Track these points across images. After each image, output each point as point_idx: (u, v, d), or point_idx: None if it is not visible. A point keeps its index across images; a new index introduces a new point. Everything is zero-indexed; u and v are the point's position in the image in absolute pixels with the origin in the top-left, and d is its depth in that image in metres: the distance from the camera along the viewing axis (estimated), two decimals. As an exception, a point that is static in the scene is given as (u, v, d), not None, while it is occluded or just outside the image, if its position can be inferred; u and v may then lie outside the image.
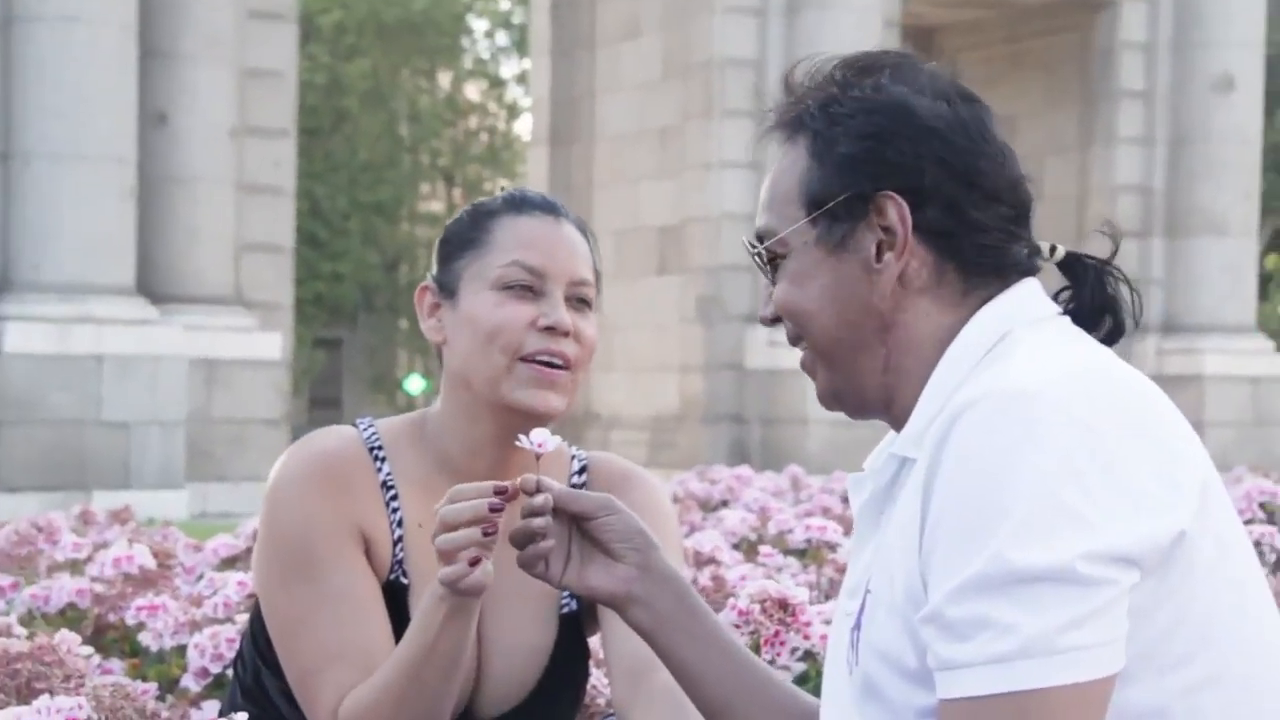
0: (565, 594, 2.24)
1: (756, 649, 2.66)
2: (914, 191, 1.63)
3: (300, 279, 29.89)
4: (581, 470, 2.32)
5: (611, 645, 2.17)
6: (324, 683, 2.09)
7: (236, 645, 3.09)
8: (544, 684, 2.24)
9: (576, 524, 1.90)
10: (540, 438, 1.89)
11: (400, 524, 2.20)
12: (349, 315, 39.18)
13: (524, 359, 2.15)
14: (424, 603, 1.99)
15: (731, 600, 2.69)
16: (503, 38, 37.61)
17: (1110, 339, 1.71)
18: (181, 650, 3.24)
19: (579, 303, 2.19)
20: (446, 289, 2.21)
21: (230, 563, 4.45)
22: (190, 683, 3.10)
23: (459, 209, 2.31)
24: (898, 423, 1.68)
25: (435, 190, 38.51)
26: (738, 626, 2.65)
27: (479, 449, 2.20)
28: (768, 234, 1.72)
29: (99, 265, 12.44)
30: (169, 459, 12.48)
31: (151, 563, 3.64)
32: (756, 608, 2.64)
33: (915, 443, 1.60)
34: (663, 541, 2.11)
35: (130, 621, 3.34)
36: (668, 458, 15.88)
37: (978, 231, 1.64)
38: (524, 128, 34.41)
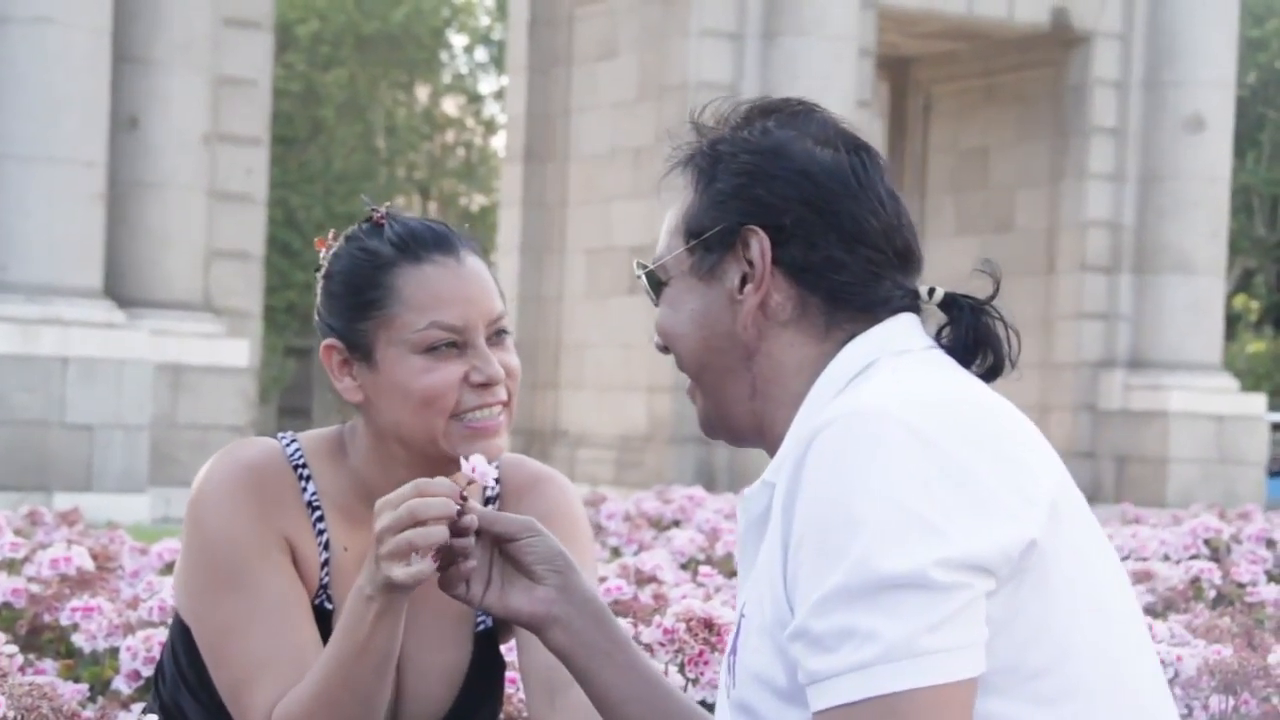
0: (479, 613, 2.23)
1: (682, 668, 2.69)
2: (778, 228, 1.71)
3: (273, 288, 29.85)
4: (496, 481, 2.30)
5: (526, 661, 2.16)
6: (256, 691, 2.07)
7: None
8: (461, 702, 2.23)
9: (498, 545, 1.94)
10: (480, 466, 1.91)
11: (326, 546, 2.18)
12: (320, 325, 39.06)
13: (460, 416, 2.11)
14: (351, 602, 1.97)
15: (657, 618, 2.72)
16: (482, 53, 37.65)
17: (990, 375, 1.76)
18: (115, 652, 3.25)
19: (497, 335, 2.15)
20: (358, 349, 2.15)
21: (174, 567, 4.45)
22: (122, 685, 3.10)
23: (335, 248, 2.19)
24: (772, 450, 1.73)
25: (411, 203, 38.48)
26: (663, 645, 2.67)
27: (409, 480, 2.13)
28: (655, 260, 1.81)
29: (66, 267, 12.42)
30: (132, 463, 12.46)
31: (89, 564, 3.64)
32: (682, 627, 2.66)
33: (780, 469, 1.64)
34: (572, 545, 2.15)
35: (65, 622, 3.34)
36: (634, 477, 15.89)
37: (839, 270, 1.71)
38: (501, 144, 34.41)
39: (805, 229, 1.71)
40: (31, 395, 12.11)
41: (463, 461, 1.91)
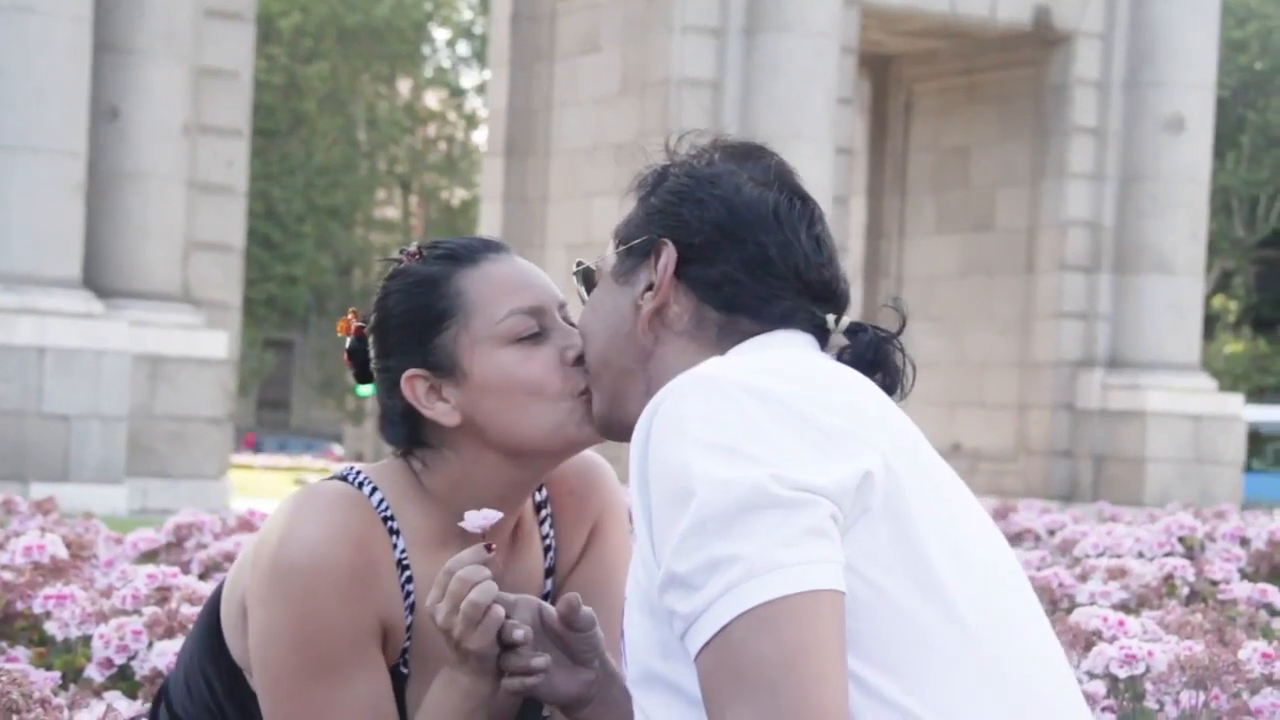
0: None
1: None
2: (688, 245, 1.83)
3: (253, 280, 29.81)
4: (540, 487, 2.21)
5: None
6: None
7: (143, 640, 3.09)
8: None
9: (545, 628, 2.00)
10: (474, 519, 1.92)
11: (412, 609, 2.05)
12: (300, 318, 39.07)
13: (572, 395, 2.04)
14: (436, 684, 1.96)
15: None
16: (464, 47, 37.62)
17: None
18: (88, 640, 3.25)
19: (567, 323, 2.09)
20: (441, 368, 2.05)
21: (150, 556, 4.45)
22: (94, 673, 3.10)
23: (386, 285, 2.12)
24: None
25: (391, 196, 38.46)
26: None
27: (508, 494, 2.08)
28: (595, 260, 1.95)
29: (45, 257, 12.39)
30: (109, 454, 12.44)
31: (63, 552, 3.64)
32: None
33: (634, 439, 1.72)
34: (622, 546, 2.17)
35: (38, 610, 3.34)
36: (617, 471, 15.90)
37: (736, 287, 1.81)
38: (482, 138, 34.39)
39: (712, 250, 1.82)
40: (8, 385, 12.09)
41: (465, 522, 1.91)
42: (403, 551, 2.04)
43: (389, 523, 2.04)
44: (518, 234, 17.83)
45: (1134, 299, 17.71)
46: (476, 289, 2.06)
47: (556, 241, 17.52)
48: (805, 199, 1.87)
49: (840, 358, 1.81)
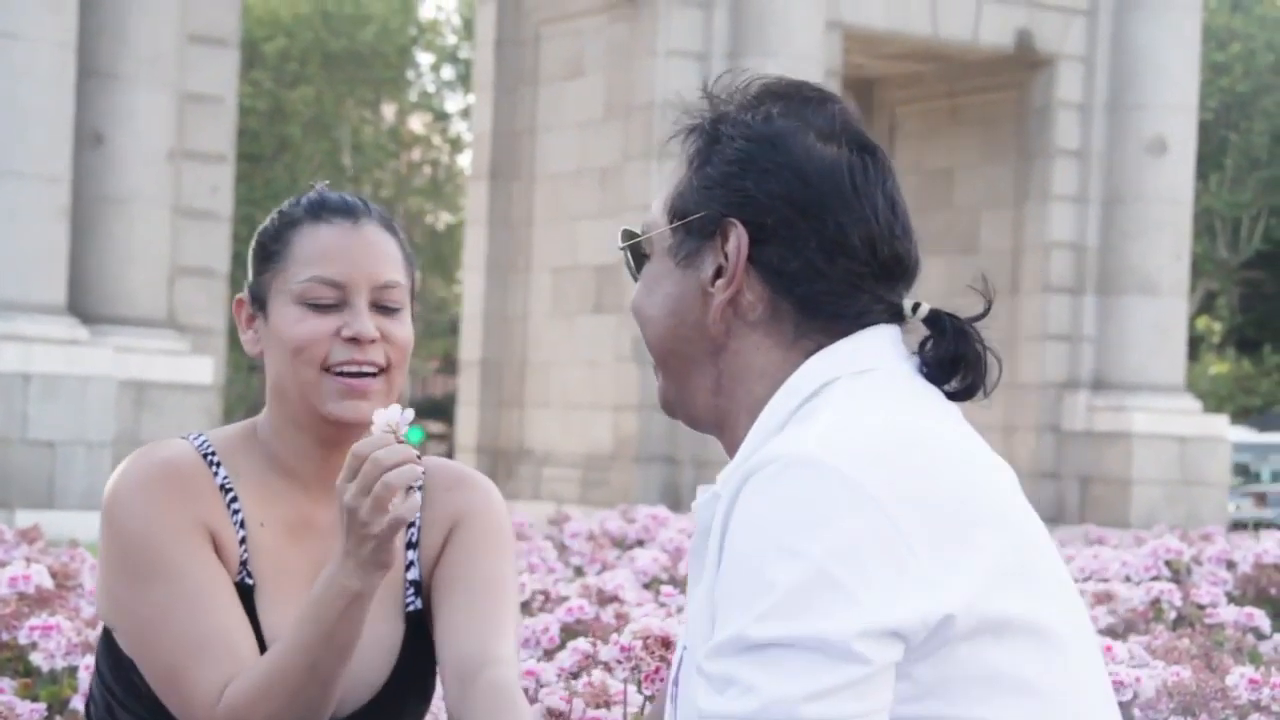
0: (410, 592, 2.26)
1: (639, 685, 2.70)
2: (760, 225, 1.66)
3: (237, 305, 29.76)
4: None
5: (442, 650, 2.20)
6: (195, 679, 2.08)
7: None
8: (392, 682, 2.24)
9: None
10: (385, 416, 1.98)
11: (243, 525, 2.19)
12: (285, 343, 38.97)
13: (330, 370, 2.16)
14: (321, 592, 2.02)
15: (615, 636, 2.72)
16: (448, 72, 37.65)
17: (963, 395, 1.72)
18: (74, 671, 3.24)
19: (383, 309, 2.19)
20: (258, 301, 2.22)
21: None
22: (80, 704, 3.09)
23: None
24: (730, 450, 1.71)
25: (377, 221, 38.36)
26: (620, 662, 2.69)
27: (306, 452, 2.22)
28: (643, 231, 1.76)
29: (29, 283, 12.36)
30: (94, 480, 12.39)
31: (49, 582, 3.62)
32: (639, 644, 2.67)
33: (726, 488, 1.62)
34: (496, 547, 2.18)
35: (23, 641, 3.32)
36: (600, 496, 15.88)
37: (817, 277, 1.65)
38: (467, 162, 34.41)
39: (787, 231, 1.65)
40: (-7, 412, 12.05)
41: (375, 417, 1.98)
42: (225, 478, 2.20)
43: (209, 456, 2.21)
44: (503, 257, 17.84)
45: (1118, 320, 17.73)
46: (302, 245, 2.19)
47: (542, 265, 17.53)
48: (875, 151, 1.70)
49: (921, 354, 1.69)
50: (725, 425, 1.72)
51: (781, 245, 1.65)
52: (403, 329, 2.20)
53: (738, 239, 1.66)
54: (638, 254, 1.76)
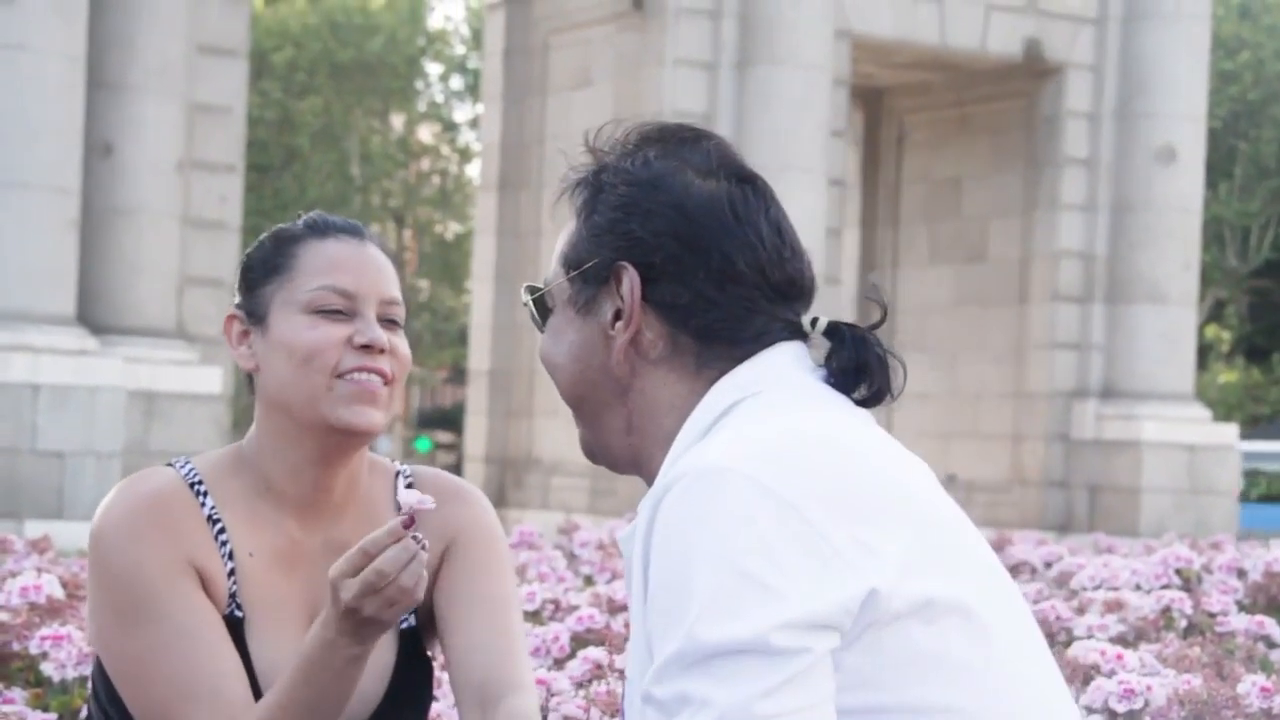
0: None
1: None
2: (649, 265, 1.71)
3: (246, 315, 29.79)
4: (409, 488, 2.31)
5: (457, 674, 2.19)
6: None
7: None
8: (387, 701, 2.23)
9: None
10: (411, 498, 1.98)
11: (231, 556, 2.18)
12: (294, 353, 38.98)
13: (342, 376, 2.16)
14: (316, 650, 2.01)
15: (630, 644, 2.71)
16: (457, 81, 37.69)
17: (872, 401, 1.74)
18: (84, 681, 3.24)
19: (389, 323, 2.21)
20: (255, 316, 2.22)
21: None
22: (91, 714, 3.09)
23: (262, 237, 2.30)
24: (650, 484, 1.73)
25: (385, 231, 38.47)
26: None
27: (300, 470, 2.20)
28: (545, 284, 1.82)
29: (39, 294, 12.38)
30: (103, 491, 12.36)
31: (59, 592, 3.63)
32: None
33: (640, 518, 1.65)
34: (497, 564, 2.18)
35: (34, 651, 3.32)
36: (608, 505, 15.87)
37: (710, 307, 1.70)
38: (476, 172, 34.46)
39: (676, 266, 1.70)
40: (2, 423, 12.06)
41: (400, 498, 1.98)
42: (212, 507, 2.18)
43: (196, 486, 2.19)
44: (511, 267, 17.85)
45: (1127, 329, 17.71)
46: (309, 257, 2.20)
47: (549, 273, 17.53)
48: (754, 181, 1.76)
49: (827, 367, 1.73)
50: (641, 462, 1.76)
51: (672, 281, 1.70)
52: (404, 345, 2.23)
53: (630, 280, 1.71)
54: (542, 307, 1.82)
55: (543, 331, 1.82)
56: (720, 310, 1.70)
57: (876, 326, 1.75)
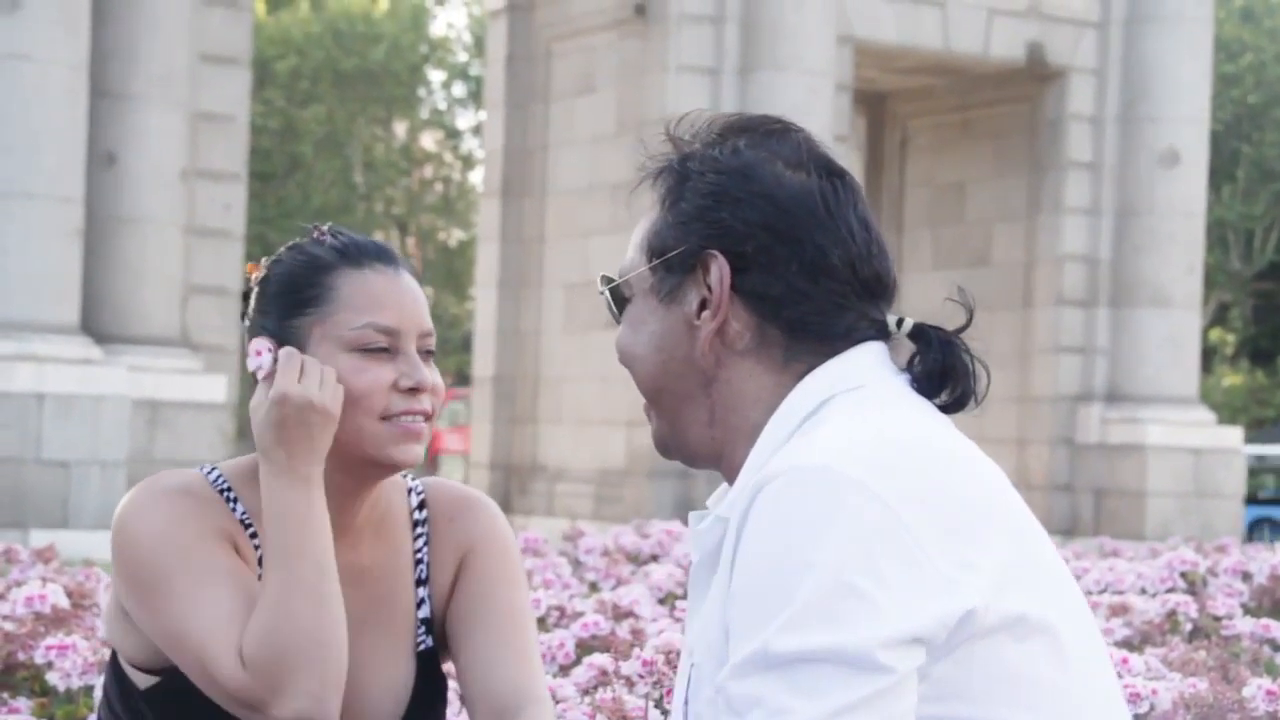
0: (421, 631, 2.25)
1: (659, 701, 2.69)
2: (739, 255, 1.68)
3: (250, 323, 29.80)
4: (421, 505, 2.31)
5: (470, 687, 2.18)
6: (222, 650, 2.02)
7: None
8: (408, 718, 2.22)
9: None
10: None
11: (261, 563, 2.13)
12: (298, 361, 39.01)
13: (388, 419, 2.14)
14: (277, 511, 2.04)
15: (637, 650, 2.72)
16: (460, 89, 37.71)
17: (954, 406, 1.72)
18: (90, 690, 3.24)
19: (426, 354, 2.19)
20: (289, 345, 2.16)
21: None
22: (97, 723, 3.09)
23: (282, 252, 2.23)
24: (730, 478, 1.72)
25: (388, 238, 38.50)
26: (642, 677, 2.68)
27: (328, 495, 2.16)
28: (620, 275, 1.78)
29: (43, 303, 12.38)
30: (108, 500, 12.39)
31: (65, 602, 3.63)
32: (661, 659, 2.67)
33: (732, 510, 1.62)
34: (512, 575, 2.17)
35: (40, 660, 3.33)
36: (613, 511, 15.87)
37: (802, 299, 1.67)
38: (479, 179, 34.47)
39: (767, 257, 1.67)
40: (7, 431, 12.06)
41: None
42: (244, 514, 2.16)
43: (225, 492, 2.17)
44: (515, 274, 17.85)
45: (1131, 333, 17.71)
46: (349, 290, 2.15)
47: (554, 281, 17.54)
48: (843, 175, 1.73)
49: (910, 369, 1.70)
50: (724, 455, 1.73)
51: (763, 271, 1.67)
52: (438, 376, 2.21)
53: (719, 269, 1.67)
54: (618, 298, 1.77)
55: (619, 322, 1.77)
56: (812, 303, 1.67)
57: (962, 330, 1.73)
